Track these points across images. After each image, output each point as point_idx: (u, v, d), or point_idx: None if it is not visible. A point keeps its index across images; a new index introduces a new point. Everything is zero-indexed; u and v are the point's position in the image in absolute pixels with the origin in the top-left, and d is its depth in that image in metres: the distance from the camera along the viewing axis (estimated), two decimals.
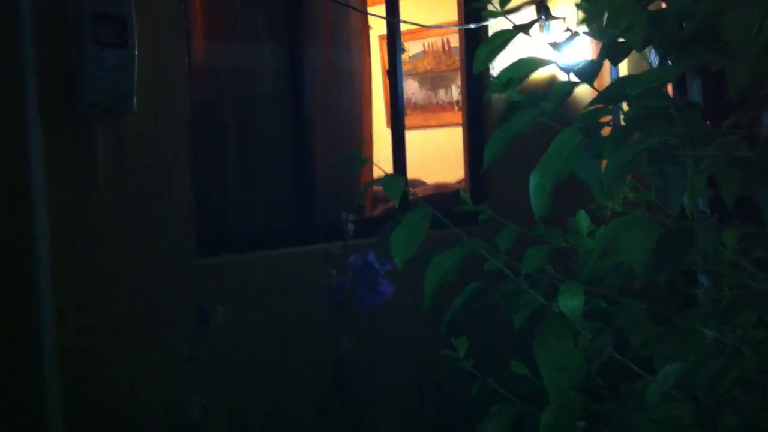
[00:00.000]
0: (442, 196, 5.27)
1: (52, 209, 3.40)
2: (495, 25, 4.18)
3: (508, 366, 1.93)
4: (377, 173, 4.91)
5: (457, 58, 6.36)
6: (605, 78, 4.83)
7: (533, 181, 1.51)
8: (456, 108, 7.19)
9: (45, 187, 3.39)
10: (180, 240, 3.78)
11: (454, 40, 7.04)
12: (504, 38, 1.57)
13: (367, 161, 1.93)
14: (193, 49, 4.09)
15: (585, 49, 5.27)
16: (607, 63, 1.61)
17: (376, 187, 5.33)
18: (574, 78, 1.55)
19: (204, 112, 4.18)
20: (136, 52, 3.47)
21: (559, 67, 1.59)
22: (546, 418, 1.64)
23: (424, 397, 3.86)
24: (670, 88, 3.93)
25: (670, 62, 1.58)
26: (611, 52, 1.60)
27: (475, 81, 4.98)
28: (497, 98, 3.64)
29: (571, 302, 1.66)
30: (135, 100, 3.52)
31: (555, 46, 1.56)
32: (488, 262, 1.80)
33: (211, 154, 4.25)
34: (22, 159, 3.35)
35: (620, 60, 1.60)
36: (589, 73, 1.50)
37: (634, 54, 1.60)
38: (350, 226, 3.68)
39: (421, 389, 3.90)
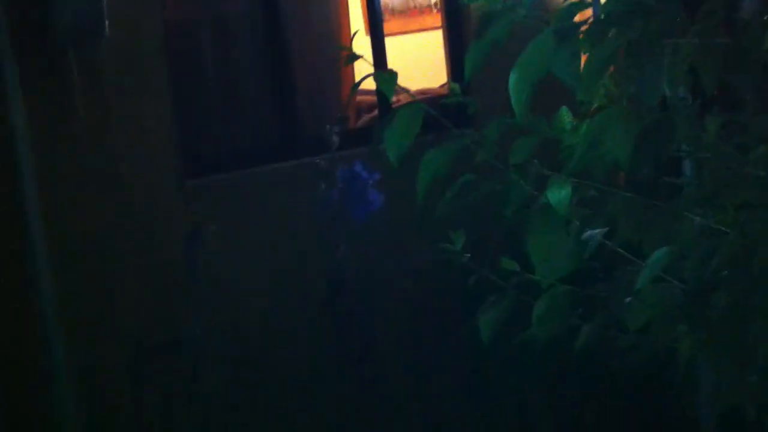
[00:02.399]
0: (426, 101, 5.25)
1: (34, 141, 3.40)
2: None
3: (500, 261, 1.97)
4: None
5: None
6: None
7: (512, 80, 1.53)
8: (435, 11, 7.11)
9: (24, 118, 3.38)
10: (166, 163, 3.79)
11: None
12: None
13: (358, 56, 1.93)
14: None
15: None
16: None
17: (359, 98, 5.33)
18: None
19: (179, 31, 4.13)
20: None
21: None
22: (539, 307, 1.70)
23: (419, 296, 3.94)
24: None
25: None
26: None
27: None
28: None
29: (558, 193, 1.70)
30: (106, 23, 3.47)
31: None
32: (478, 153, 1.83)
33: (190, 74, 4.22)
34: None
35: None
36: None
37: None
38: (335, 138, 3.69)
39: (416, 290, 3.97)
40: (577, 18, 1.59)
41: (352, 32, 5.10)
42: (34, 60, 3.43)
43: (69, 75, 3.51)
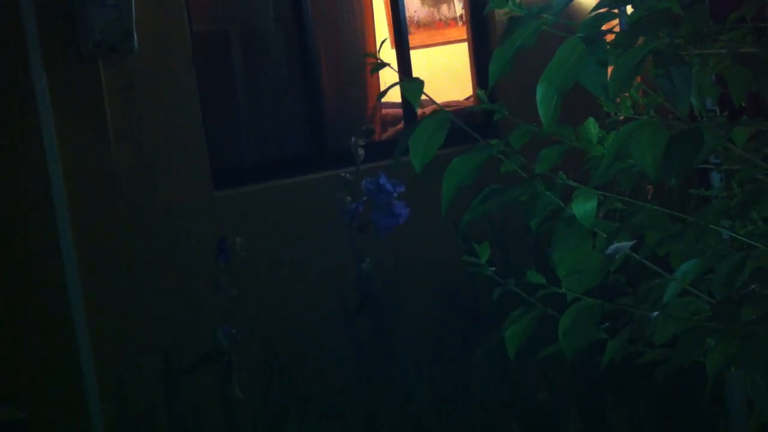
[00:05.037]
0: (453, 112, 5.24)
1: (64, 154, 3.44)
2: None
3: (525, 273, 1.95)
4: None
5: None
6: None
7: (539, 91, 1.51)
8: (460, 23, 7.10)
9: (55, 134, 3.42)
10: (195, 175, 3.81)
11: None
12: None
13: (386, 64, 1.92)
14: None
15: None
16: None
17: (384, 111, 5.34)
18: None
19: (208, 43, 4.16)
20: None
21: None
22: (565, 322, 1.67)
23: (446, 307, 3.92)
24: None
25: None
26: None
27: None
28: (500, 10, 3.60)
29: (584, 206, 1.68)
30: (135, 37, 3.50)
31: None
32: (504, 164, 1.80)
33: (219, 87, 4.25)
34: (29, 107, 3.37)
35: None
36: None
37: None
38: (361, 151, 3.69)
39: (443, 301, 3.95)
40: (604, 27, 1.58)
41: (379, 45, 5.13)
42: (65, 72, 3.47)
43: (98, 88, 3.54)
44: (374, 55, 1.82)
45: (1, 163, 3.40)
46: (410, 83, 1.66)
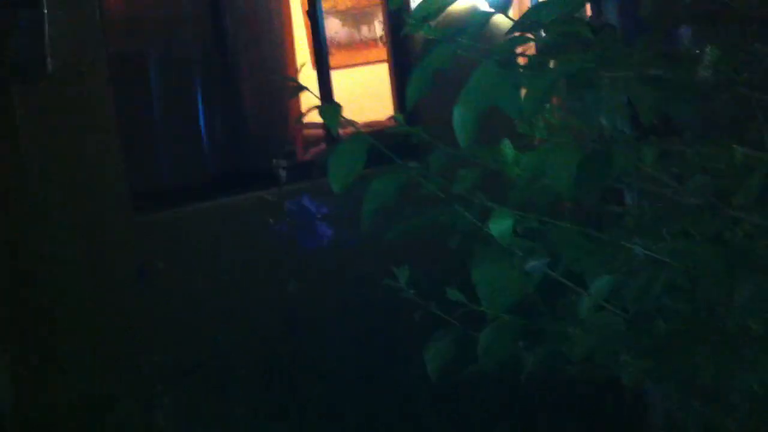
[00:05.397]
0: (374, 134, 5.27)
1: None
2: None
3: (446, 289, 1.97)
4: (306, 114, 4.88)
5: None
6: (527, 5, 4.85)
7: (456, 113, 1.54)
8: (380, 44, 7.16)
9: None
10: (114, 200, 3.75)
11: None
12: None
13: (304, 88, 1.93)
14: (106, 1, 4.01)
15: None
16: None
17: (306, 131, 5.34)
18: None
19: (125, 66, 4.11)
20: (45, 11, 3.39)
21: None
22: (484, 339, 1.70)
23: (369, 329, 3.93)
24: (588, 8, 3.97)
25: None
26: None
27: (397, 14, 4.97)
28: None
29: (501, 224, 1.71)
30: (49, 60, 3.44)
31: None
32: (423, 185, 1.83)
33: (136, 110, 4.20)
34: None
35: None
36: (501, 3, 1.52)
37: None
38: (282, 172, 3.69)
39: (366, 322, 3.96)
40: (519, 50, 1.61)
41: (298, 66, 5.15)
42: None
43: (12, 113, 3.46)
44: (294, 78, 1.83)
45: None
46: (327, 107, 1.67)
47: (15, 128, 3.48)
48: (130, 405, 3.46)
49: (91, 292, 3.62)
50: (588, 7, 3.69)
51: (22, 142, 3.49)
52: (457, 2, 1.66)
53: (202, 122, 4.45)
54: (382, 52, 6.34)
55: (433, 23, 1.55)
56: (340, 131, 3.87)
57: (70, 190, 3.63)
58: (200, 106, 4.46)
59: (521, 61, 1.52)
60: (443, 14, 1.64)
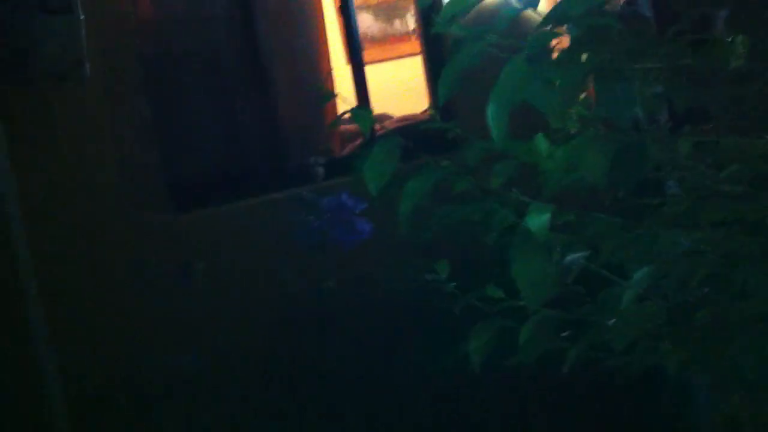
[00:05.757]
0: (409, 128, 5.28)
1: (18, 181, 3.42)
2: None
3: (487, 286, 1.98)
4: (342, 112, 4.90)
5: None
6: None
7: (490, 109, 1.55)
8: (413, 37, 7.16)
9: (9, 163, 3.40)
10: (152, 199, 3.79)
11: None
12: None
13: (335, 95, 1.96)
14: (138, 2, 4.05)
15: None
16: None
17: (342, 127, 5.36)
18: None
19: (160, 67, 4.15)
20: (82, 17, 3.44)
21: None
22: (525, 332, 1.71)
23: (408, 324, 3.94)
24: None
25: None
26: None
27: (429, 7, 4.95)
28: None
29: (538, 219, 1.72)
30: (86, 64, 3.49)
31: None
32: (457, 182, 1.84)
33: (172, 109, 4.23)
34: None
35: None
36: None
37: None
38: (320, 169, 3.71)
39: (405, 318, 3.98)
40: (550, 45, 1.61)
41: (332, 62, 5.16)
42: (16, 101, 3.45)
43: (51, 117, 3.52)
44: (325, 83, 1.85)
45: None
46: (360, 110, 1.70)
47: (54, 133, 3.53)
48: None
49: (134, 290, 3.67)
50: None
51: (60, 141, 3.54)
52: None
53: (237, 121, 4.48)
54: (416, 45, 6.34)
55: (462, 20, 1.55)
56: (377, 126, 3.88)
57: (108, 189, 3.68)
58: (236, 105, 4.49)
59: (552, 55, 1.53)
60: (473, 10, 1.64)
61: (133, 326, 3.64)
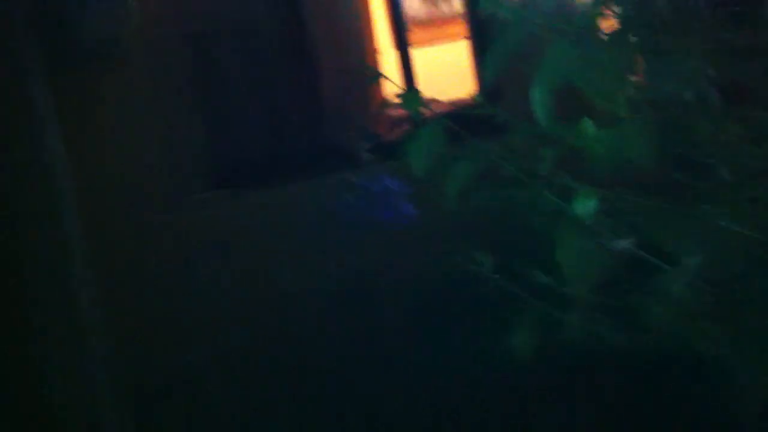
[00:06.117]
0: (455, 112, 5.24)
1: (69, 162, 3.47)
2: None
3: (531, 272, 1.96)
4: (388, 96, 4.89)
5: None
6: None
7: (534, 92, 1.53)
8: (461, 20, 7.10)
9: (57, 140, 3.44)
10: (196, 179, 3.82)
11: None
12: None
13: (381, 75, 1.95)
14: None
15: None
16: None
17: (390, 112, 5.34)
18: None
19: (203, 46, 4.16)
20: None
21: None
22: (571, 318, 1.69)
23: (451, 310, 3.93)
24: None
25: None
26: None
27: None
28: None
29: (585, 204, 1.70)
30: (125, 41, 3.51)
31: None
32: (503, 166, 1.83)
33: (216, 91, 4.25)
34: (29, 117, 3.39)
35: None
36: None
37: None
38: (365, 154, 3.70)
39: (448, 304, 3.97)
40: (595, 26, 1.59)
41: (378, 45, 5.14)
42: (64, 81, 3.49)
43: (99, 95, 3.56)
44: (371, 65, 1.85)
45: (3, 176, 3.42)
46: (408, 94, 1.68)
47: (101, 108, 3.56)
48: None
49: (173, 269, 3.70)
50: None
51: (107, 120, 3.57)
52: None
53: (281, 103, 4.48)
54: (462, 28, 6.30)
55: (508, 2, 1.53)
56: (423, 110, 3.86)
57: (153, 169, 3.71)
58: (279, 87, 4.50)
59: (599, 36, 1.50)
60: None
61: (179, 310, 3.68)
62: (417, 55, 5.04)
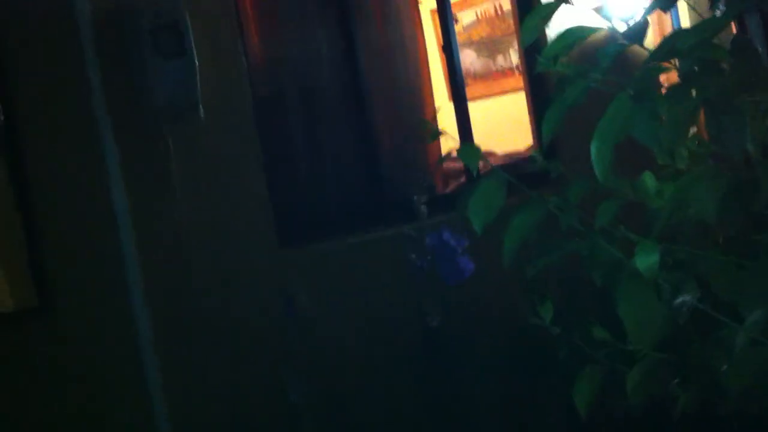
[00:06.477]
0: (513, 164, 5.24)
1: (134, 218, 3.54)
2: None
3: (591, 325, 1.93)
4: (445, 150, 4.91)
5: (512, 22, 6.31)
6: (668, 32, 4.73)
7: (593, 147, 1.52)
8: (517, 73, 7.13)
9: (126, 199, 3.52)
10: (259, 234, 3.86)
11: (507, 4, 6.97)
12: (549, 9, 1.58)
13: (441, 132, 1.96)
14: (249, 45, 4.15)
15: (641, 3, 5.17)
16: (668, 18, 1.60)
17: (445, 164, 5.36)
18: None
19: (268, 106, 4.23)
20: (196, 61, 3.55)
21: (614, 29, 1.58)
22: (634, 375, 1.65)
23: (514, 363, 3.88)
24: (733, 25, 3.84)
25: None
26: (660, 2, 1.59)
27: (533, 43, 4.93)
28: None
29: (647, 258, 1.66)
30: (200, 106, 3.59)
31: (598, 10, 1.56)
32: (562, 219, 1.81)
33: (280, 147, 4.31)
34: (100, 174, 3.48)
35: (669, 8, 1.60)
36: (635, 33, 1.49)
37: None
38: (423, 206, 3.70)
39: (511, 356, 3.92)
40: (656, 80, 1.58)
41: (436, 100, 5.18)
42: (133, 139, 3.58)
43: (166, 153, 3.63)
44: (430, 123, 1.86)
45: (74, 227, 3.50)
46: (467, 148, 1.68)
47: (169, 166, 3.63)
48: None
49: (239, 325, 3.73)
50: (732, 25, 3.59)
51: (174, 179, 3.63)
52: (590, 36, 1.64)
53: (342, 158, 4.53)
54: (519, 80, 6.31)
55: (566, 58, 1.53)
56: (480, 163, 3.86)
57: (218, 224, 3.76)
58: (340, 143, 4.54)
59: (659, 91, 1.49)
60: (577, 47, 1.62)
61: (245, 361, 3.70)
62: (474, 107, 5.05)
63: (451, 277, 3.51)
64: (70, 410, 3.44)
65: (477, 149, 1.74)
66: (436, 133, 1.84)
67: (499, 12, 7.32)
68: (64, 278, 3.49)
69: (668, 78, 1.63)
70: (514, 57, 7.26)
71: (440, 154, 4.82)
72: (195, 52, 3.55)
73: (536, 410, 3.73)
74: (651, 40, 1.58)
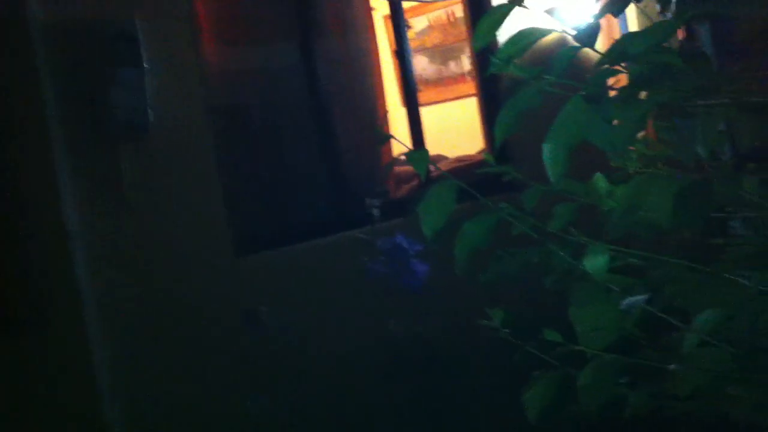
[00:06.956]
0: (464, 169, 5.26)
1: (85, 231, 3.47)
2: None
3: (543, 332, 1.93)
4: (397, 154, 4.92)
5: (464, 28, 6.35)
6: (617, 36, 4.78)
7: (546, 150, 1.52)
8: (469, 79, 7.17)
9: (77, 212, 3.46)
10: (215, 243, 3.82)
11: (459, 11, 7.00)
12: (501, 12, 1.57)
13: (391, 137, 1.95)
14: (204, 55, 4.11)
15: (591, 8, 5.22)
16: (617, 23, 1.61)
17: (398, 168, 5.37)
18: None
19: (224, 115, 4.20)
20: (146, 67, 3.50)
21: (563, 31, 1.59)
22: (584, 378, 1.65)
23: (471, 366, 3.88)
24: (680, 32, 3.89)
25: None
26: (611, 6, 1.60)
27: (485, 48, 4.95)
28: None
29: (596, 261, 1.67)
30: (150, 114, 3.55)
31: (550, 12, 1.56)
32: (515, 226, 1.81)
33: (236, 156, 4.28)
34: (50, 186, 3.41)
35: (620, 12, 1.61)
36: (586, 36, 1.50)
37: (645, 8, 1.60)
38: (375, 211, 3.70)
39: (468, 359, 3.92)
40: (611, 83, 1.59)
41: (389, 105, 5.18)
42: (85, 150, 3.51)
43: (118, 165, 3.58)
44: (383, 132, 1.85)
45: (21, 241, 3.43)
46: (416, 153, 1.67)
47: (121, 179, 3.57)
48: None
49: (197, 338, 3.68)
50: (679, 32, 3.63)
51: (127, 191, 3.58)
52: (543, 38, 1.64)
53: (297, 166, 4.51)
54: (471, 86, 6.35)
55: (518, 61, 1.53)
56: (432, 168, 3.87)
57: (171, 231, 3.71)
58: (295, 150, 4.52)
59: (610, 94, 1.49)
60: (529, 51, 1.62)
61: (200, 372, 3.65)
62: (426, 113, 5.07)
63: (404, 281, 3.50)
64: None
65: (425, 153, 1.73)
66: (386, 137, 1.83)
67: (452, 19, 7.35)
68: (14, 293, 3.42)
69: (617, 80, 1.64)
70: (466, 63, 7.31)
71: (390, 160, 4.83)
72: (148, 62, 3.51)
73: (493, 416, 3.73)
74: (601, 44, 1.58)
